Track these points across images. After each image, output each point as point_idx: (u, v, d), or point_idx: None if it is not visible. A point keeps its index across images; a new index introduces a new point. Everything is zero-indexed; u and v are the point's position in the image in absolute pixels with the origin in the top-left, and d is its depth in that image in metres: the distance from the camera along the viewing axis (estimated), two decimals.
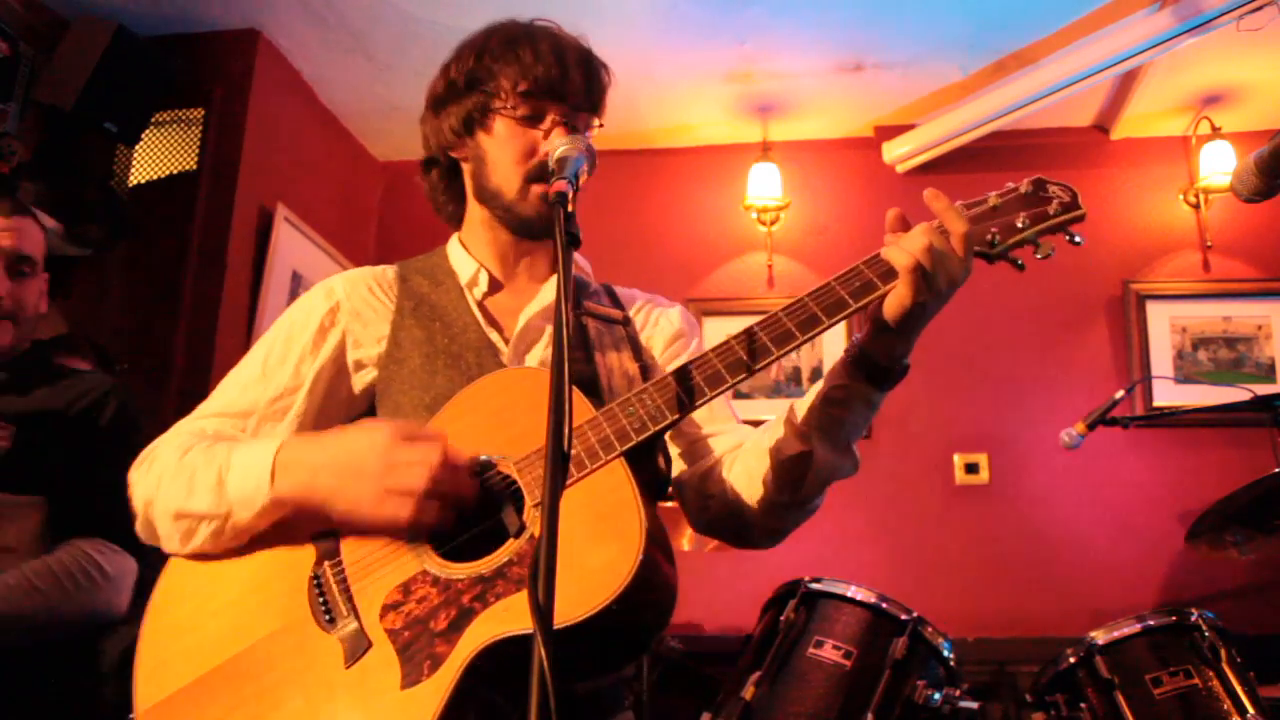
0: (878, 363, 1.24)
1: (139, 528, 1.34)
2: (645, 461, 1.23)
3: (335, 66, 3.75)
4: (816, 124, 4.15)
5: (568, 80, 1.38)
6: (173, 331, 3.28)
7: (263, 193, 3.56)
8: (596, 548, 1.08)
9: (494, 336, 1.42)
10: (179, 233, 3.37)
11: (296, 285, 3.70)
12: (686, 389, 1.21)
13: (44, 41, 3.27)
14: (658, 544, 1.12)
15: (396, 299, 1.45)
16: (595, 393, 1.34)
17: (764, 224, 4.06)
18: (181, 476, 1.27)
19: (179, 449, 1.31)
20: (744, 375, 1.21)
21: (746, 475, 1.36)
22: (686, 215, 4.21)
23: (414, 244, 1.54)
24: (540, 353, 1.42)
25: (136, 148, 3.45)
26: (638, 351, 1.48)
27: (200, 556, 1.30)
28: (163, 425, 1.39)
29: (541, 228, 1.41)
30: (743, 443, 1.42)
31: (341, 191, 4.16)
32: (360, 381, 1.42)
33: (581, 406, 1.21)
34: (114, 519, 1.79)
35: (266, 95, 3.58)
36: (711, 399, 1.21)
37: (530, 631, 1.05)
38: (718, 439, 1.45)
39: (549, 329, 1.44)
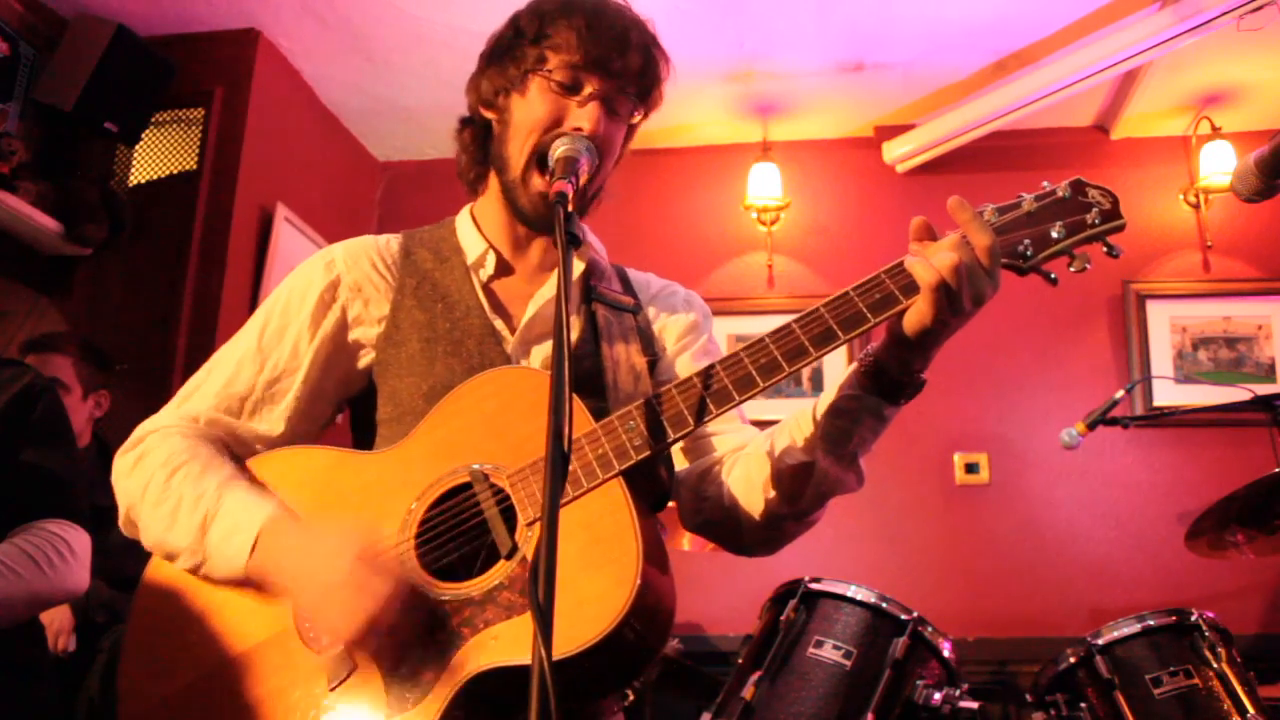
0: (892, 376, 1.18)
1: (121, 523, 1.32)
2: (645, 474, 1.18)
3: (335, 66, 3.74)
4: (816, 124, 4.15)
5: (624, 58, 1.30)
6: (173, 331, 3.28)
7: (263, 193, 3.56)
8: (590, 576, 1.04)
9: (499, 324, 1.36)
10: (179, 233, 3.37)
11: None
12: (690, 405, 1.15)
13: (44, 41, 3.28)
14: (655, 567, 1.09)
15: (399, 275, 1.39)
16: (599, 387, 1.31)
17: (764, 224, 4.05)
18: (165, 504, 1.24)
19: (167, 462, 1.27)
20: (753, 392, 1.14)
21: (745, 480, 1.31)
22: (686, 215, 4.20)
23: None
24: (548, 348, 1.34)
25: (136, 148, 3.46)
26: (647, 343, 1.42)
27: None
28: None
29: (536, 222, 1.34)
30: (746, 444, 1.36)
31: (341, 191, 4.15)
32: (360, 362, 1.39)
33: (581, 418, 1.16)
34: (62, 499, 1.84)
35: (266, 95, 3.58)
36: (718, 416, 1.15)
37: (520, 665, 1.04)
38: (721, 438, 1.40)
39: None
